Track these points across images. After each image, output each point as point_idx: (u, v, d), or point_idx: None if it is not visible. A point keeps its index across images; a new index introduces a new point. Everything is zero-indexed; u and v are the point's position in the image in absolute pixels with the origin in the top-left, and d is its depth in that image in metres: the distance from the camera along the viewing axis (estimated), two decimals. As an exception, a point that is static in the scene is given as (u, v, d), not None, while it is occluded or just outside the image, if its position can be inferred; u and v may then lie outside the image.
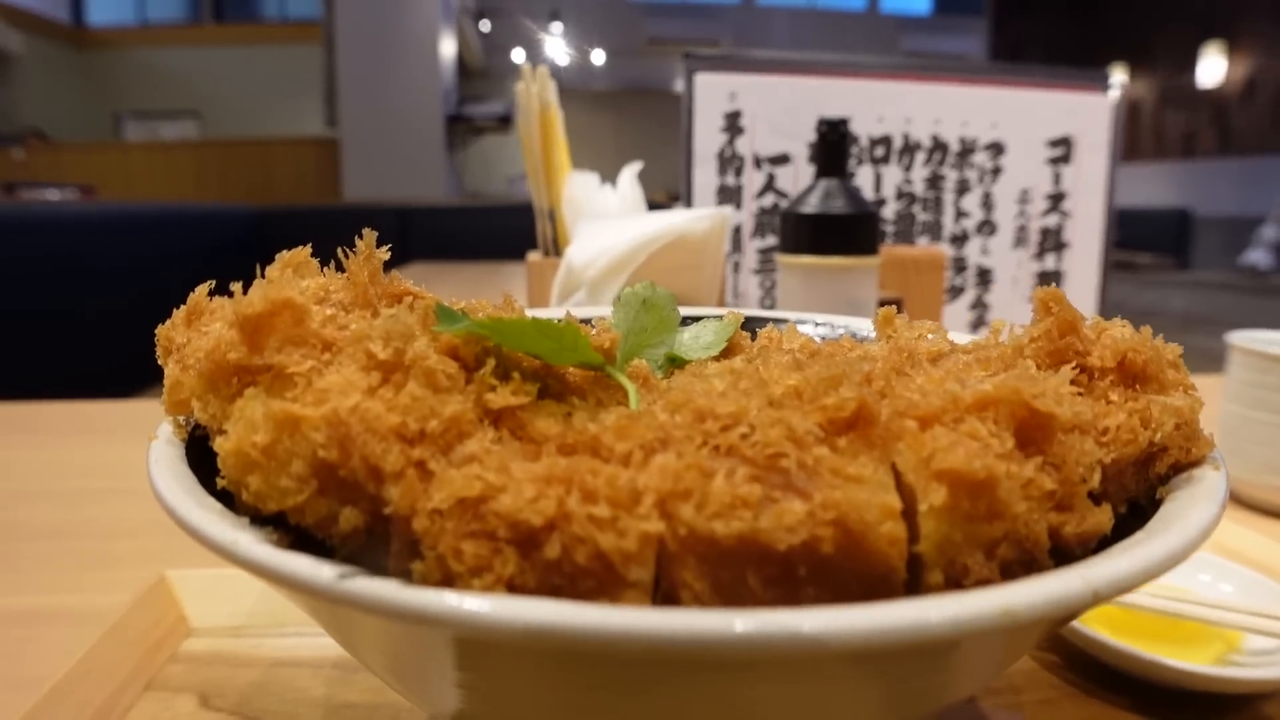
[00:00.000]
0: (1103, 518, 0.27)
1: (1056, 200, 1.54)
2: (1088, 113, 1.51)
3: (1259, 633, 0.53)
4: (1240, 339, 0.80)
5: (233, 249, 3.34)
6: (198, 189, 7.68)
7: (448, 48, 8.26)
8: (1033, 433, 0.27)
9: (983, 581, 0.26)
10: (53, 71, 9.46)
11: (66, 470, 0.90)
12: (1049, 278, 1.57)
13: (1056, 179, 1.53)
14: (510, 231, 2.70)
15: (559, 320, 0.31)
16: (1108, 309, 1.54)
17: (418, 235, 3.88)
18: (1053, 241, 1.55)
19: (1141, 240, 8.61)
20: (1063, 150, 1.52)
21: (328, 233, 0.35)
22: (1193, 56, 9.09)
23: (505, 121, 8.68)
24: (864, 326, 0.52)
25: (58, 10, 9.57)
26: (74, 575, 0.65)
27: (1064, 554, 0.28)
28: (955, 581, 0.26)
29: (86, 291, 2.48)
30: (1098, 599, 0.21)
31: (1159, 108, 9.52)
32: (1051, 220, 1.54)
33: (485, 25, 10.10)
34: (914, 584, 0.25)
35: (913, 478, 0.25)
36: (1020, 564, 0.26)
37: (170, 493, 0.26)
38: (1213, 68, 8.97)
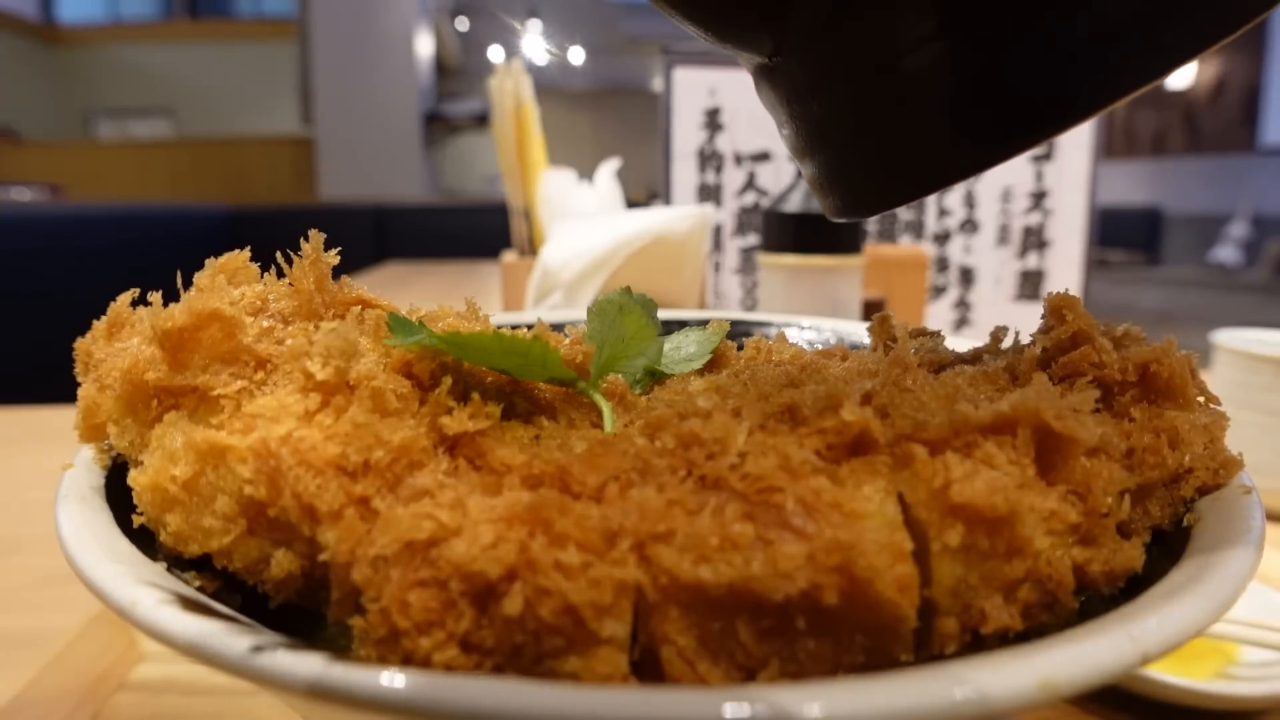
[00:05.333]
0: (1133, 554, 0.24)
1: (1038, 198, 1.52)
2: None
3: (1256, 644, 0.53)
4: (1225, 338, 0.78)
5: (207, 250, 3.25)
6: (171, 188, 7.54)
7: (425, 45, 8.17)
8: (1053, 458, 0.24)
9: (1002, 628, 0.23)
10: (22, 68, 9.27)
11: (21, 480, 0.86)
12: (1031, 276, 1.56)
13: (1038, 176, 1.51)
14: (488, 231, 2.66)
15: (528, 330, 0.28)
16: (1087, 307, 1.52)
17: (394, 234, 3.83)
18: (1035, 240, 1.54)
19: (1114, 237, 8.68)
20: (1044, 147, 1.51)
21: (303, 232, 0.32)
22: (1163, 57, 9.20)
23: (483, 120, 8.60)
24: (855, 331, 0.50)
25: (26, 6, 9.37)
26: (23, 594, 0.62)
27: (1082, 587, 0.25)
28: (970, 628, 0.23)
29: (51, 294, 2.41)
30: (1146, 661, 0.18)
31: (1130, 107, 9.62)
32: (1034, 218, 1.53)
33: (463, 23, 10.01)
34: (924, 632, 0.22)
35: (924, 512, 0.22)
36: (1042, 606, 0.23)
37: (71, 534, 0.23)
38: (1182, 68, 9.11)
